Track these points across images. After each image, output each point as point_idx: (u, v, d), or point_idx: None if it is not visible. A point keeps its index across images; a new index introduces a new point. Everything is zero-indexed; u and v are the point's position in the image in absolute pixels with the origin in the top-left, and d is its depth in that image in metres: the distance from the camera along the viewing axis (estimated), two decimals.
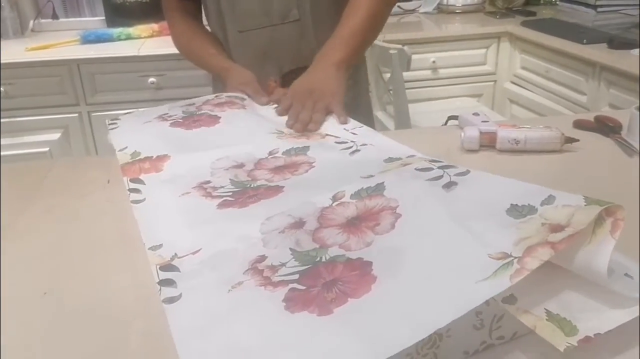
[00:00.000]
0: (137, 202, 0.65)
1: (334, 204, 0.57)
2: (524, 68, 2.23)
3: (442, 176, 0.58)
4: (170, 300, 0.46)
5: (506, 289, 0.43)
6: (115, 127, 0.86)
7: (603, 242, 0.42)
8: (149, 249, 0.55)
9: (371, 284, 0.45)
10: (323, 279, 0.46)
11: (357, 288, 0.44)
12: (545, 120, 1.34)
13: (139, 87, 2.00)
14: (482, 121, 0.90)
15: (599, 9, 2.36)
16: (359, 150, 0.74)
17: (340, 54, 0.92)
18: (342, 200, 0.58)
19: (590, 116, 0.99)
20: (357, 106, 1.11)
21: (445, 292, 0.42)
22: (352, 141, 0.78)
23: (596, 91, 1.81)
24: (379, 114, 2.13)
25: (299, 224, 0.55)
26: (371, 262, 0.47)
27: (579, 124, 0.97)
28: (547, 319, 0.42)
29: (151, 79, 1.99)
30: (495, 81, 2.34)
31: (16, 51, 1.99)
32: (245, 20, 1.01)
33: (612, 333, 0.42)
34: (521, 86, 2.25)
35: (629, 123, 0.91)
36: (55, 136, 2.02)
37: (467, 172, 0.58)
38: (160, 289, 0.48)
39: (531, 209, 0.48)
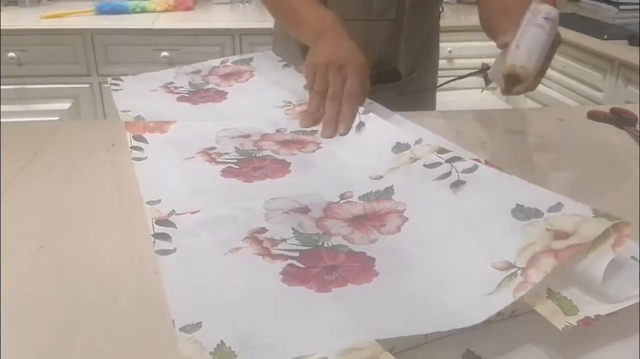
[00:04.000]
0: (138, 159, 0.64)
1: (341, 202, 0.56)
2: None
3: (450, 173, 0.56)
4: (164, 252, 0.45)
5: None
6: (118, 89, 0.85)
7: (603, 253, 0.41)
8: (146, 203, 0.54)
9: (372, 277, 0.44)
10: (324, 263, 0.45)
11: (358, 277, 0.44)
12: (561, 110, 1.33)
13: (152, 61, 1.99)
14: None
15: (621, 7, 2.32)
16: (363, 123, 0.72)
17: None
18: (350, 199, 0.57)
19: (605, 108, 0.98)
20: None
21: (446, 302, 0.41)
22: (361, 121, 0.75)
23: (613, 88, 1.78)
24: None
25: (304, 209, 0.54)
26: (374, 259, 0.46)
27: (593, 115, 0.95)
28: (547, 297, 0.41)
29: (164, 53, 1.98)
30: None
31: (31, 18, 1.99)
32: (345, 8, 0.96)
33: (612, 318, 0.41)
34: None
35: None
36: (66, 105, 2.02)
37: (475, 167, 0.56)
38: (154, 241, 0.47)
39: (537, 213, 0.46)
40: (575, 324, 0.39)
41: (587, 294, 0.42)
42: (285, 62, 0.93)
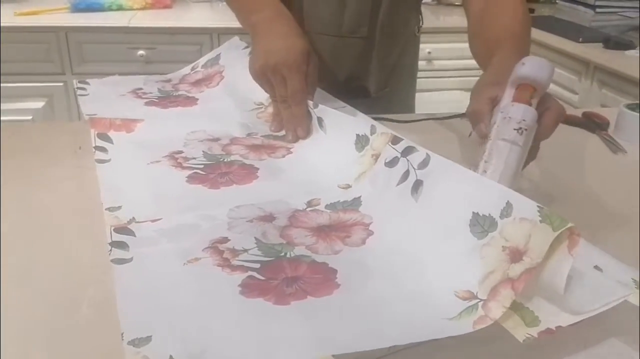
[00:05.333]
0: (102, 162, 0.63)
1: (307, 209, 0.56)
2: None
3: (408, 172, 0.55)
4: (120, 261, 0.44)
5: None
6: (85, 94, 0.84)
7: (561, 260, 0.41)
8: (106, 209, 0.53)
9: (333, 290, 0.44)
10: (285, 274, 0.45)
11: (319, 289, 0.43)
12: None
13: (128, 59, 1.96)
14: None
15: (598, 10, 2.34)
16: (322, 119, 0.71)
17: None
18: (317, 207, 0.56)
19: (578, 112, 0.99)
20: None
21: (407, 319, 0.41)
22: (318, 117, 0.73)
23: (588, 91, 1.80)
24: None
25: (268, 218, 0.54)
26: (336, 270, 0.46)
27: (566, 119, 0.96)
28: (510, 309, 0.41)
29: (140, 52, 1.96)
30: None
31: (5, 15, 1.94)
32: (317, 23, 0.95)
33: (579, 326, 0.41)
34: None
35: (617, 120, 0.91)
36: (40, 104, 1.98)
37: (428, 160, 0.54)
38: (110, 250, 0.46)
39: (492, 224, 0.46)
40: (536, 336, 0.39)
41: (550, 303, 0.42)
42: (251, 49, 0.91)
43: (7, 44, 1.91)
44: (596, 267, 0.46)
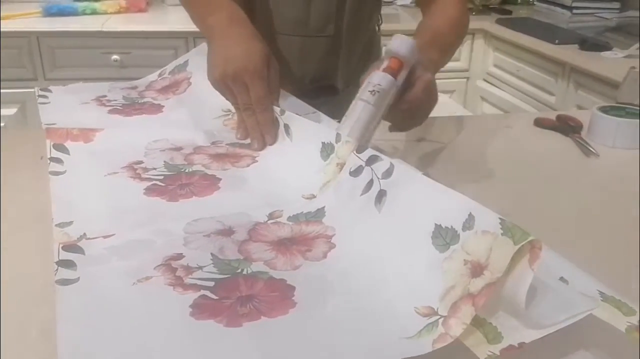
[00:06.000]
0: (56, 174, 0.61)
1: (269, 222, 0.54)
2: (496, 66, 2.22)
3: (372, 181, 0.54)
4: (65, 282, 0.42)
5: None
6: (46, 102, 0.81)
7: (522, 275, 0.39)
8: (56, 225, 0.51)
9: (289, 309, 0.42)
10: (239, 292, 0.43)
11: (274, 309, 0.42)
12: (509, 117, 1.34)
13: (102, 64, 1.93)
14: None
15: (575, 11, 2.36)
16: (288, 125, 0.69)
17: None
18: (279, 220, 0.55)
19: (552, 115, 0.98)
20: None
21: (364, 339, 0.39)
22: (285, 124, 0.71)
23: (565, 92, 1.81)
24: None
25: (227, 232, 0.52)
26: (294, 288, 0.45)
27: (540, 123, 0.96)
28: (472, 325, 0.39)
29: (115, 57, 1.93)
30: (468, 78, 2.33)
31: None
32: (283, 23, 0.94)
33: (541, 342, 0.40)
34: (493, 84, 2.24)
35: (590, 123, 0.91)
36: (12, 111, 1.94)
37: (392, 170, 0.53)
38: (56, 269, 0.43)
39: (454, 236, 0.45)
40: (498, 353, 0.38)
41: (513, 318, 0.41)
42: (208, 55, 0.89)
43: None
44: (562, 279, 0.44)
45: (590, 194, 0.74)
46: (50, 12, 2.00)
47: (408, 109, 0.67)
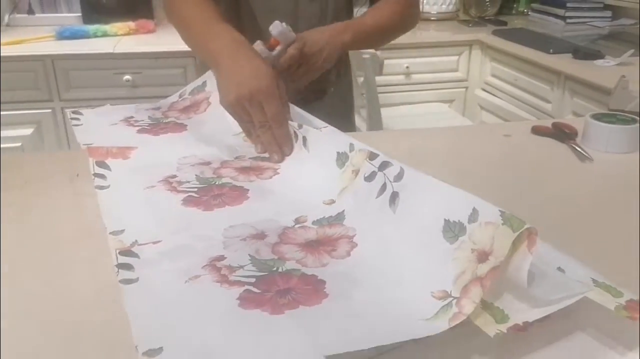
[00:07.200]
0: (101, 188, 0.67)
1: (295, 226, 0.60)
2: (494, 76, 2.28)
3: (385, 185, 0.60)
4: (127, 281, 0.48)
5: None
6: (79, 124, 0.87)
7: (522, 258, 0.46)
8: (110, 233, 0.56)
9: (322, 299, 0.48)
10: (277, 286, 0.49)
11: (309, 299, 0.47)
12: (507, 125, 1.39)
13: (114, 85, 2.00)
14: None
15: (568, 21, 2.43)
16: (305, 138, 0.75)
17: (348, 36, 0.97)
18: (304, 224, 0.60)
19: (548, 123, 1.03)
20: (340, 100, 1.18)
21: (388, 322, 0.45)
22: (303, 136, 0.76)
23: (560, 100, 1.87)
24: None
25: (260, 236, 0.58)
26: (325, 282, 0.50)
27: (537, 130, 1.01)
28: (482, 308, 0.45)
29: (126, 77, 1.99)
30: (466, 88, 2.40)
31: None
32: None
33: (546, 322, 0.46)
34: (491, 93, 2.30)
35: (584, 130, 0.95)
36: (28, 131, 2.01)
37: (402, 174, 0.60)
38: (117, 271, 0.49)
39: (461, 229, 0.51)
40: (505, 331, 0.44)
41: (519, 301, 0.47)
42: (216, 80, 0.95)
43: None
44: (559, 268, 0.51)
45: (586, 196, 0.78)
46: (63, 36, 2.07)
47: (288, 66, 0.88)
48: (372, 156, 0.64)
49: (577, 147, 0.92)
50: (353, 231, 0.58)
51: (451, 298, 0.46)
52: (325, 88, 1.14)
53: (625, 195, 0.76)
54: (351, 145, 0.68)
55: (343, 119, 1.19)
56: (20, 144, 1.99)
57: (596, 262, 0.52)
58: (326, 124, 0.83)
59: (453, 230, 0.50)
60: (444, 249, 0.50)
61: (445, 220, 0.51)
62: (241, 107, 0.77)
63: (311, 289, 0.48)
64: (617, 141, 0.92)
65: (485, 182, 0.82)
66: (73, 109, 0.93)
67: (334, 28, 0.97)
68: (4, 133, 1.98)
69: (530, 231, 0.45)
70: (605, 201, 0.76)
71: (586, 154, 0.90)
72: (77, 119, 0.90)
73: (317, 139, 0.74)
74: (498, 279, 0.45)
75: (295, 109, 0.84)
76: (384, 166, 0.62)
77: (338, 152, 0.69)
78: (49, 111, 2.02)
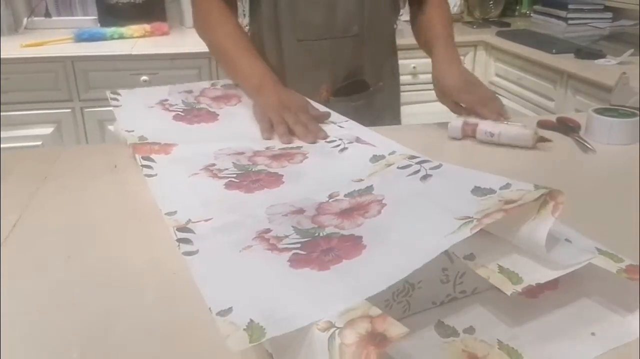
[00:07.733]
0: (150, 176, 0.73)
1: (330, 200, 0.66)
2: (498, 75, 2.34)
3: (419, 171, 0.67)
4: (189, 253, 0.54)
5: (467, 248, 0.52)
6: (118, 105, 0.93)
7: (544, 220, 0.51)
8: (165, 214, 0.63)
9: (362, 250, 0.53)
10: (321, 247, 0.55)
11: (350, 253, 0.53)
12: (513, 120, 1.44)
13: (132, 85, 2.01)
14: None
15: (570, 22, 2.48)
16: (346, 148, 0.82)
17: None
18: (337, 198, 0.66)
19: (553, 117, 1.08)
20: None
21: (419, 245, 0.51)
22: (339, 139, 0.84)
23: (563, 98, 1.92)
24: None
25: (299, 211, 0.63)
26: (361, 237, 0.56)
27: (542, 124, 1.04)
28: (498, 272, 0.51)
29: (144, 77, 2.06)
30: None
31: (11, 47, 2.04)
32: (307, 30, 1.07)
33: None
34: (496, 92, 2.35)
35: (587, 124, 1.00)
36: (48, 130, 2.07)
37: (440, 165, 0.67)
38: (179, 245, 0.56)
39: (491, 191, 0.57)
40: (520, 290, 0.50)
41: (532, 261, 0.52)
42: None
43: (15, 74, 2.00)
44: (567, 239, 0.57)
45: (589, 185, 0.82)
46: (82, 38, 2.13)
47: (450, 98, 1.03)
48: (412, 157, 0.71)
49: (580, 140, 0.97)
50: (382, 196, 0.64)
51: (473, 218, 0.52)
52: (377, 83, 1.19)
53: (626, 184, 0.81)
54: (393, 151, 0.75)
55: (393, 111, 1.26)
56: (40, 142, 2.06)
57: (598, 246, 0.57)
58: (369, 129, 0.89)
59: (482, 191, 0.56)
60: (471, 200, 0.56)
61: (475, 186, 0.58)
62: (278, 113, 0.90)
63: (350, 245, 0.54)
64: (619, 133, 0.96)
65: (494, 173, 0.87)
66: (112, 90, 0.99)
67: (450, 62, 1.08)
68: (25, 132, 2.05)
69: (558, 199, 0.51)
70: (608, 190, 0.80)
71: (589, 146, 0.94)
72: (116, 99, 0.96)
73: (357, 147, 0.81)
74: (520, 218, 0.51)
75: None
76: (422, 162, 0.68)
77: (375, 155, 0.76)
78: (69, 110, 2.08)
